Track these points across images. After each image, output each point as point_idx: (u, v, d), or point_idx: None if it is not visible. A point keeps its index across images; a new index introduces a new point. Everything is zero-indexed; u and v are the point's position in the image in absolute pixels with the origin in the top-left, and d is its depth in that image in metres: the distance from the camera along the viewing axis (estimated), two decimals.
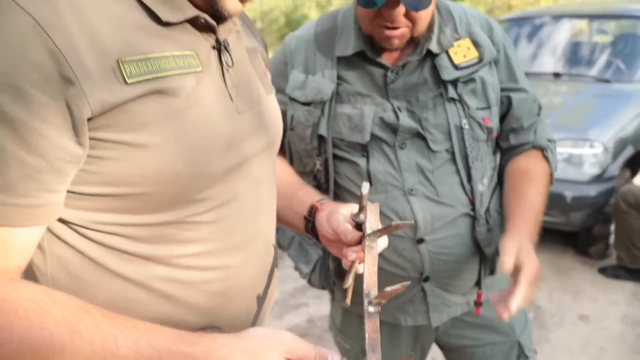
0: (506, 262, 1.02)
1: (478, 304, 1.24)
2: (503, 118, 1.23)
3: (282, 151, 1.31)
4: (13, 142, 0.53)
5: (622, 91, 3.65)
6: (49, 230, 0.63)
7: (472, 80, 1.15)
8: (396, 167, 1.15)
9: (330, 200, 0.99)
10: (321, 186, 1.22)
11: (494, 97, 1.17)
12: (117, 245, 0.65)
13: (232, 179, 0.71)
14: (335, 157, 1.20)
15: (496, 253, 1.19)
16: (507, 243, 1.06)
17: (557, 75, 4.00)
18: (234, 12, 0.68)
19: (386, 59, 1.16)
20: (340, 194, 1.23)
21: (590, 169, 3.14)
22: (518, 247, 1.04)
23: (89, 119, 0.56)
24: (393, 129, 1.14)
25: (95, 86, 0.56)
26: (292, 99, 1.20)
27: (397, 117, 1.13)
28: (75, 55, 0.55)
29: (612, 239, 3.33)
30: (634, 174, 3.64)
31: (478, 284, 1.25)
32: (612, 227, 3.31)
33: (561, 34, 4.30)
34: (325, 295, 2.92)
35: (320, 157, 1.20)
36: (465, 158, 1.16)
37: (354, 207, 0.87)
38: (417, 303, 1.21)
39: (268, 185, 0.81)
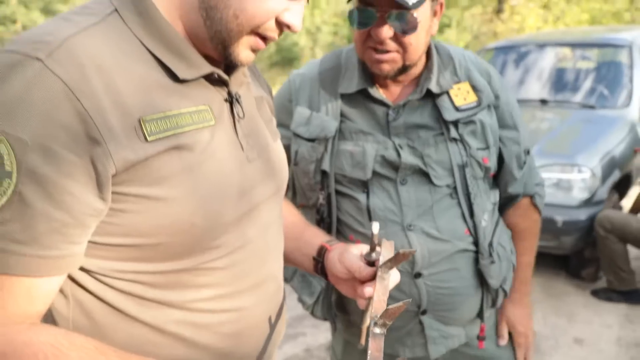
0: (504, 333, 1.36)
1: (481, 338, 1.28)
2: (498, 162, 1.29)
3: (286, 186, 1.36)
4: (41, 199, 0.56)
5: (607, 117, 3.75)
6: (71, 277, 0.66)
7: (472, 122, 1.19)
8: (396, 203, 1.19)
9: (338, 241, 1.03)
10: (324, 220, 1.26)
11: (492, 139, 1.22)
12: (135, 291, 0.68)
13: (243, 225, 0.74)
14: (337, 192, 1.24)
15: (501, 285, 1.26)
16: (506, 312, 1.34)
17: (543, 101, 4.11)
18: (247, 62, 0.73)
19: (388, 97, 1.20)
20: (341, 229, 1.26)
21: (579, 194, 3.21)
22: (515, 317, 1.32)
23: (113, 176, 0.60)
24: (394, 166, 1.18)
25: (120, 145, 0.60)
26: (297, 135, 1.25)
27: (399, 154, 1.17)
28: (101, 116, 0.59)
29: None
30: (621, 197, 3.73)
31: (480, 315, 1.28)
32: None
33: (546, 62, 4.44)
34: (322, 324, 2.93)
35: (323, 192, 1.24)
36: (467, 195, 1.20)
37: (364, 247, 0.90)
38: (415, 336, 1.24)
39: (276, 227, 0.85)
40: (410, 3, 1.02)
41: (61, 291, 0.67)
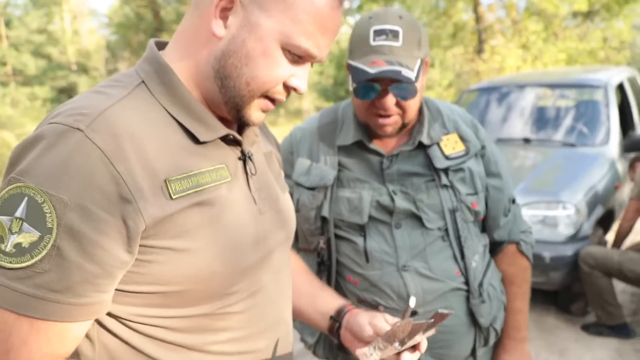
0: None
1: None
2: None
3: None
4: (76, 253, 0.63)
5: (587, 154, 3.90)
6: (99, 322, 0.73)
7: (462, 169, 1.28)
8: (391, 245, 1.26)
9: (358, 306, 1.13)
10: (324, 263, 1.33)
11: (481, 185, 1.30)
12: (158, 335, 0.74)
13: (258, 271, 0.81)
14: (336, 236, 1.31)
15: (491, 324, 1.32)
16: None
17: (527, 140, 4.26)
18: (258, 123, 0.81)
19: (382, 147, 1.30)
20: (340, 271, 1.33)
21: (565, 230, 3.30)
22: None
23: (142, 231, 0.67)
24: (389, 211, 1.26)
25: (148, 203, 0.67)
26: (298, 184, 1.33)
27: (393, 200, 1.26)
28: (132, 179, 0.66)
29: None
30: (606, 232, 3.83)
31: (473, 354, 1.34)
32: None
33: (527, 102, 4.62)
34: None
35: (324, 236, 1.32)
36: (458, 237, 1.28)
37: (389, 317, 1.00)
38: None
39: (286, 273, 0.92)
40: (413, 78, 1.14)
41: (87, 336, 0.73)
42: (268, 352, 0.85)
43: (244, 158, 0.83)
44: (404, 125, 1.25)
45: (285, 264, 0.91)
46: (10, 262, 0.62)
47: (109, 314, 0.72)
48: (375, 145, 1.29)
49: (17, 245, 0.62)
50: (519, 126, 4.45)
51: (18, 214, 0.62)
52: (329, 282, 1.35)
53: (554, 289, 3.44)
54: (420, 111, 1.31)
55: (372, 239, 1.27)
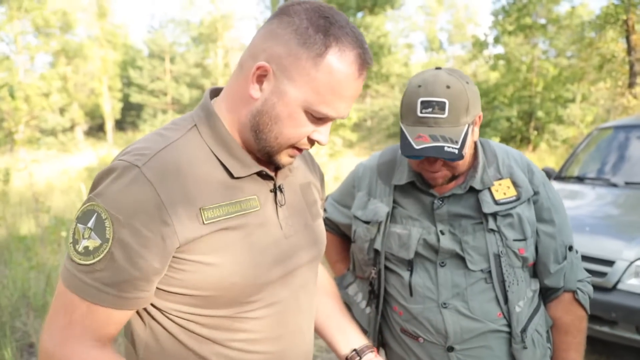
0: None
1: None
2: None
3: (349, 261, 1.55)
4: (124, 259, 0.82)
5: None
6: (148, 311, 0.92)
7: (510, 215, 1.30)
8: (434, 282, 1.32)
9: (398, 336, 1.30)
10: (374, 292, 1.42)
11: (530, 230, 1.31)
12: (189, 327, 0.92)
13: (278, 286, 0.96)
14: (386, 268, 1.40)
15: None
16: None
17: None
18: (288, 164, 0.96)
19: (435, 189, 1.36)
20: (388, 300, 1.42)
21: None
22: None
23: (177, 248, 0.85)
24: (435, 249, 1.32)
25: (184, 227, 0.84)
26: (355, 217, 1.45)
27: (439, 240, 1.31)
28: (172, 207, 0.84)
29: None
30: None
31: None
32: None
33: None
34: None
35: (375, 267, 1.41)
36: (502, 282, 1.29)
37: None
38: None
39: (309, 289, 1.04)
40: (456, 152, 1.17)
41: (142, 319, 0.93)
42: (282, 355, 0.98)
43: (275, 190, 0.98)
44: (454, 177, 1.31)
45: (309, 281, 1.05)
46: (80, 259, 0.83)
47: (154, 306, 0.91)
48: (424, 185, 1.36)
49: (86, 248, 0.83)
50: None
51: (90, 224, 0.83)
52: (377, 310, 1.44)
53: None
54: (475, 155, 1.35)
55: (418, 274, 1.34)
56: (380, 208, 1.39)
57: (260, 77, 0.87)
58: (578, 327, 1.37)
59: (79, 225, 0.84)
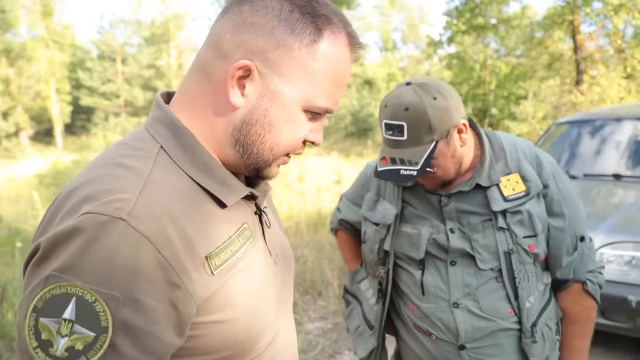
0: None
1: None
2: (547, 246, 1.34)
3: (361, 259, 1.57)
4: (132, 346, 0.61)
5: None
6: None
7: (519, 212, 1.27)
8: (445, 282, 1.31)
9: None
10: (382, 290, 1.42)
11: (540, 226, 1.28)
12: None
13: (278, 319, 0.82)
14: (398, 266, 1.41)
15: None
16: None
17: (617, 176, 4.02)
18: (274, 176, 0.81)
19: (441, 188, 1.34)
20: (402, 296, 1.43)
21: None
22: None
23: (194, 313, 0.66)
24: (444, 248, 1.31)
25: (195, 285, 0.65)
26: (365, 218, 1.44)
27: (448, 239, 1.30)
28: (178, 262, 0.64)
29: None
30: None
31: None
32: None
33: (622, 136, 4.36)
34: None
35: (384, 267, 1.42)
36: (513, 279, 1.28)
37: None
38: None
39: (291, 310, 0.92)
40: (414, 174, 1.20)
41: None
42: None
43: (260, 212, 0.83)
44: (445, 182, 1.30)
45: (291, 302, 0.92)
46: None
47: None
48: None
49: (70, 349, 0.58)
50: (609, 161, 4.22)
51: (67, 315, 0.58)
52: (383, 308, 1.45)
53: None
54: (482, 151, 1.33)
55: (429, 273, 1.34)
56: (389, 210, 1.39)
57: (241, 79, 0.71)
58: (586, 317, 1.37)
59: (43, 320, 0.58)
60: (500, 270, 1.28)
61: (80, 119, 30.79)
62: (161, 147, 0.72)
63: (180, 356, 0.68)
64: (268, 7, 0.70)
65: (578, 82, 11.90)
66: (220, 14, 0.74)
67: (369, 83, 29.07)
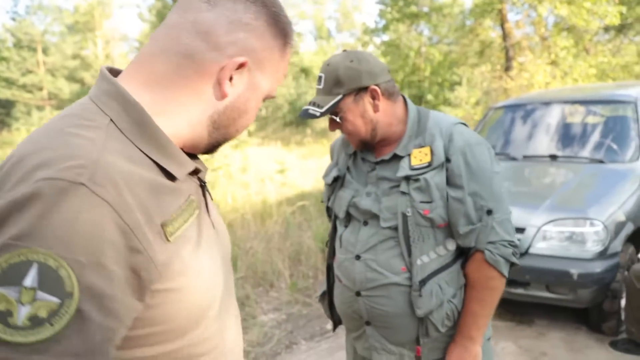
0: None
1: (418, 358, 1.53)
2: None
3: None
4: (97, 311, 0.61)
5: (617, 171, 3.85)
6: None
7: (419, 180, 1.46)
8: (355, 238, 1.56)
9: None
10: (326, 242, 1.76)
11: (438, 194, 1.45)
12: None
13: (225, 291, 0.84)
14: (336, 222, 1.69)
15: (427, 317, 1.47)
16: (447, 351, 1.51)
17: (553, 157, 4.23)
18: (215, 152, 0.88)
19: (376, 155, 1.58)
20: (335, 250, 1.68)
21: (592, 247, 3.26)
22: (452, 356, 1.50)
23: (155, 278, 0.67)
24: (360, 210, 1.54)
25: (155, 251, 0.67)
26: (324, 179, 1.73)
27: (361, 201, 1.53)
28: (139, 228, 0.65)
29: (623, 314, 3.38)
30: (638, 249, 3.76)
31: (417, 341, 1.52)
32: (622, 303, 3.38)
33: (554, 118, 4.59)
34: None
35: (330, 221, 1.74)
36: (408, 238, 1.46)
37: None
38: (364, 340, 1.60)
39: (233, 288, 0.93)
40: (317, 114, 1.46)
41: None
42: (232, 355, 0.88)
43: (202, 185, 0.86)
44: (366, 142, 1.54)
45: (232, 279, 0.94)
46: (26, 337, 0.57)
47: None
48: (365, 153, 1.60)
49: (33, 318, 0.57)
50: (545, 143, 4.43)
51: (27, 283, 0.57)
52: (329, 257, 1.72)
53: (584, 306, 3.39)
54: (406, 127, 1.55)
55: (348, 230, 1.60)
56: (333, 172, 1.67)
57: (230, 71, 0.79)
58: (483, 284, 1.48)
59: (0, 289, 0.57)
60: (396, 229, 1.47)
61: None
62: (111, 120, 0.73)
63: (141, 327, 0.69)
64: (259, 12, 0.80)
65: (508, 69, 12.43)
66: (204, 1, 0.78)
67: (305, 71, 29.01)
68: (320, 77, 1.49)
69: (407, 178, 1.46)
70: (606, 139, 4.23)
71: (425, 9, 17.02)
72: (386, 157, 1.53)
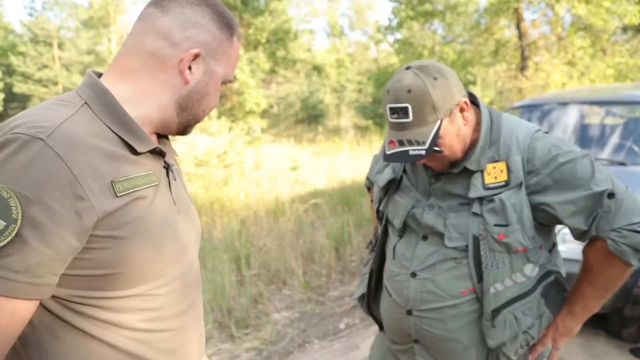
0: (538, 350, 1.42)
1: None
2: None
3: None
4: (36, 239, 0.75)
5: (639, 173, 3.77)
6: (42, 305, 0.84)
7: (493, 200, 1.29)
8: (412, 252, 1.43)
9: None
10: (372, 243, 1.66)
11: (515, 217, 1.28)
12: (94, 314, 0.86)
13: (177, 262, 0.97)
14: (387, 227, 1.56)
15: (500, 348, 1.35)
16: (547, 333, 1.41)
17: None
18: (189, 133, 1.07)
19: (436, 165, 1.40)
20: (385, 258, 1.59)
21: None
22: (552, 337, 1.40)
23: (95, 222, 0.80)
24: (420, 223, 1.40)
25: (99, 200, 0.81)
26: (373, 180, 1.63)
27: (423, 213, 1.39)
28: (85, 180, 0.79)
29: None
30: None
31: None
32: None
33: (572, 119, 4.51)
34: None
35: (381, 225, 1.58)
36: (479, 263, 1.31)
37: None
38: (410, 354, 1.51)
39: (197, 266, 1.08)
40: (423, 152, 1.24)
41: (35, 315, 0.84)
42: (185, 331, 1.00)
43: (167, 167, 1.01)
44: (453, 163, 1.35)
45: (196, 261, 1.07)
46: None
47: (53, 297, 0.83)
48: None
49: None
50: None
51: None
52: (372, 260, 1.62)
53: (603, 312, 3.32)
54: (478, 134, 1.34)
55: (403, 241, 1.46)
56: (387, 175, 1.51)
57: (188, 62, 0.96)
58: (600, 270, 1.32)
59: None
60: (466, 251, 1.33)
61: (13, 108, 29.00)
62: (85, 102, 0.90)
63: (83, 267, 0.82)
64: (204, 12, 0.97)
65: (523, 68, 12.30)
66: (158, 10, 0.95)
67: (317, 69, 28.96)
68: (405, 109, 1.24)
69: (481, 199, 1.31)
70: (627, 140, 4.14)
71: (440, 7, 16.90)
72: (455, 170, 1.35)
